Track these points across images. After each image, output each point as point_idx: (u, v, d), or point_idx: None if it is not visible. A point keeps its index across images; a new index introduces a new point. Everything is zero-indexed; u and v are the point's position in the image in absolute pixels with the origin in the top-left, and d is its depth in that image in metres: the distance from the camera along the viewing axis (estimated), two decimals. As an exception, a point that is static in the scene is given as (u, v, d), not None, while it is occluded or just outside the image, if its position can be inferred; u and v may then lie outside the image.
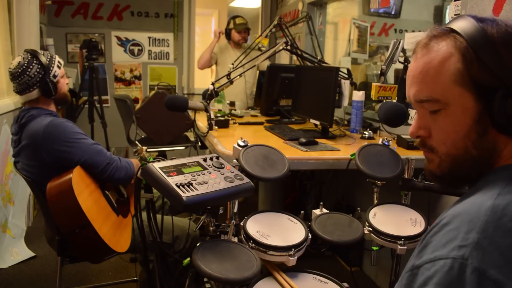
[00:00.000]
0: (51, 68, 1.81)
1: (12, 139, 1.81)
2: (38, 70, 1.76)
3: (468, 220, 0.59)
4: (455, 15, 1.60)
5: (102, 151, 1.76)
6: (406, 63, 2.10)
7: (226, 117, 2.50)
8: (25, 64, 1.75)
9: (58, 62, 1.86)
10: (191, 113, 2.44)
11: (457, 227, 0.60)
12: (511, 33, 0.66)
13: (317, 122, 2.19)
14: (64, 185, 1.58)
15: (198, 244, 1.23)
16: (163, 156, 2.85)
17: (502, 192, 0.62)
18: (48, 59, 1.81)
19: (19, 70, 1.75)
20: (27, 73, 1.75)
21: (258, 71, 3.73)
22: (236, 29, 3.75)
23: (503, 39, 0.65)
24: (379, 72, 2.03)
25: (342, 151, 1.83)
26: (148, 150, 1.89)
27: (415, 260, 0.62)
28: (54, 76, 1.81)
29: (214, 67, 3.98)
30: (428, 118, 0.73)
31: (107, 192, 1.79)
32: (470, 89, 0.67)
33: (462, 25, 0.68)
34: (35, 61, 1.77)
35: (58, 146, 1.67)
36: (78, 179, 1.63)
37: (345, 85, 2.27)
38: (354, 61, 3.15)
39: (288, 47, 2.26)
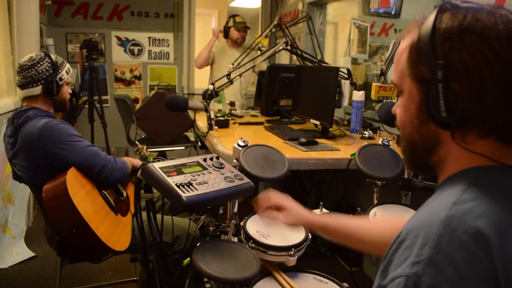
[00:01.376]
0: (60, 70, 1.83)
1: (8, 141, 1.80)
2: (47, 67, 1.78)
3: (422, 235, 0.58)
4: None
5: (97, 153, 1.75)
6: (406, 63, 2.09)
7: (226, 117, 2.50)
8: (37, 59, 1.77)
9: (68, 68, 1.88)
10: (191, 113, 2.44)
11: (412, 243, 0.59)
12: (464, 26, 0.63)
13: (317, 122, 2.19)
14: (59, 187, 1.58)
15: (198, 244, 1.23)
16: (163, 156, 2.86)
17: (457, 202, 0.61)
18: (59, 62, 1.84)
19: (29, 63, 1.76)
20: (36, 67, 1.76)
21: (258, 71, 3.73)
22: (236, 27, 3.74)
23: (448, 33, 0.64)
24: (379, 72, 2.03)
25: (342, 151, 1.83)
26: (148, 149, 1.89)
27: (381, 280, 0.61)
28: (61, 79, 1.83)
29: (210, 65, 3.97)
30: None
31: (104, 191, 1.79)
32: (414, 79, 0.69)
33: (430, 15, 0.67)
34: (47, 59, 1.79)
35: (53, 148, 1.66)
36: (73, 180, 1.62)
37: (345, 85, 2.27)
38: (354, 61, 3.15)
39: (288, 47, 2.26)
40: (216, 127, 2.24)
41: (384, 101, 1.96)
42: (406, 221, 0.65)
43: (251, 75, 3.80)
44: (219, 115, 2.59)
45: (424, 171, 0.77)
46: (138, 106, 3.43)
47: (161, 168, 1.19)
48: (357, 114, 2.23)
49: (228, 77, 2.16)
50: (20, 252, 2.74)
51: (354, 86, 2.26)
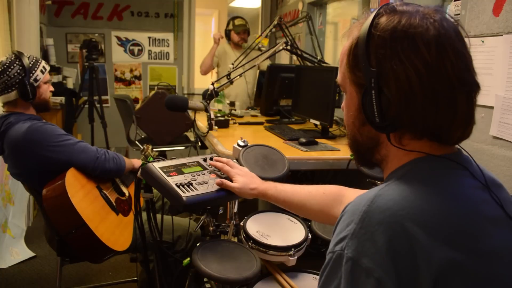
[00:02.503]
0: (33, 72, 1.76)
1: None
2: (18, 71, 1.72)
3: (352, 212, 0.63)
4: (455, 15, 1.60)
5: (87, 148, 1.72)
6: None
7: (226, 117, 2.50)
8: (7, 64, 1.72)
9: (43, 67, 1.81)
10: (191, 113, 2.44)
11: (344, 219, 0.64)
12: (396, 33, 0.64)
13: (317, 122, 2.19)
14: (58, 188, 1.58)
15: (198, 244, 1.23)
16: (163, 156, 2.85)
17: (389, 184, 0.65)
18: (31, 62, 1.77)
19: (0, 69, 1.71)
20: (7, 72, 1.71)
21: (258, 71, 3.73)
22: (235, 30, 3.74)
23: (381, 40, 0.65)
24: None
25: (342, 151, 1.83)
26: (153, 149, 1.89)
27: (330, 245, 0.65)
28: (36, 80, 1.77)
29: (215, 68, 3.98)
30: None
31: (105, 192, 1.79)
32: (352, 83, 0.72)
33: (368, 19, 0.69)
34: (17, 62, 1.73)
35: (41, 151, 1.63)
36: (72, 180, 1.62)
37: (345, 85, 2.27)
38: (354, 61, 3.15)
39: (288, 47, 2.26)
40: (216, 127, 2.24)
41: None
42: (341, 189, 0.77)
43: (256, 75, 3.80)
44: (219, 115, 2.59)
45: (370, 167, 0.78)
46: (138, 106, 3.43)
47: (161, 168, 1.19)
48: (357, 114, 2.23)
49: (228, 77, 2.16)
50: (20, 252, 2.74)
51: (354, 86, 2.26)
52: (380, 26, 0.66)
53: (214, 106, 2.83)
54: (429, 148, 0.68)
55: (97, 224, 1.61)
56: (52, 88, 1.91)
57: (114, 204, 1.80)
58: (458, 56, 0.64)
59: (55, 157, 1.65)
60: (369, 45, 0.66)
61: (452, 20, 0.68)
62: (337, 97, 2.18)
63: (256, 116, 2.89)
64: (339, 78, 0.76)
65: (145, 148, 1.90)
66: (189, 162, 1.27)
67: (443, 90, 0.63)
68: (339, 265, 0.60)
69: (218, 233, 1.40)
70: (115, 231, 1.71)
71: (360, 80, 0.69)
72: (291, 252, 1.23)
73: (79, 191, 1.64)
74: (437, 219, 0.60)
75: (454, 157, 0.68)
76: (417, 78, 0.63)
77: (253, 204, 3.13)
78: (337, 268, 0.61)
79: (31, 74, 1.75)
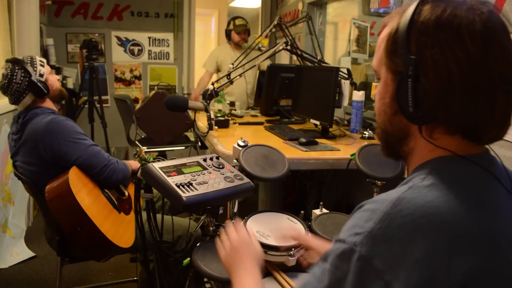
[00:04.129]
0: (35, 68, 1.80)
1: (12, 138, 1.81)
2: (22, 74, 1.75)
3: (372, 210, 0.61)
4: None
5: (101, 153, 1.76)
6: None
7: (226, 117, 2.50)
8: (9, 74, 1.75)
9: (40, 61, 1.85)
10: (191, 113, 2.45)
11: (362, 215, 0.62)
12: (440, 22, 0.62)
13: (317, 122, 2.19)
14: (62, 186, 1.59)
15: (198, 244, 1.23)
16: (163, 156, 2.86)
17: (414, 186, 0.62)
18: (28, 61, 1.80)
19: (6, 81, 1.75)
20: (14, 81, 1.74)
21: (258, 71, 3.73)
22: (236, 30, 3.74)
23: (424, 27, 0.63)
24: (379, 72, 2.03)
25: (342, 151, 1.83)
26: (148, 150, 1.89)
27: (341, 233, 0.64)
28: (41, 75, 1.81)
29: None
30: None
31: (106, 190, 1.80)
32: (389, 69, 0.69)
33: (411, 6, 0.66)
34: (17, 67, 1.76)
35: (58, 144, 1.68)
36: (75, 178, 1.63)
37: (345, 85, 2.27)
38: (354, 61, 3.15)
39: (288, 47, 2.26)
40: (216, 127, 2.24)
41: (384, 101, 1.96)
42: None
43: (256, 76, 3.79)
44: (219, 115, 2.59)
45: (397, 159, 0.78)
46: (138, 106, 3.43)
47: (161, 168, 1.19)
48: (357, 114, 2.23)
49: (228, 77, 2.16)
50: (20, 252, 2.74)
51: (354, 86, 2.26)
52: (424, 13, 0.64)
53: (214, 106, 2.83)
54: (458, 146, 0.66)
55: (102, 222, 1.61)
56: (58, 76, 1.95)
57: (116, 202, 1.80)
58: (503, 51, 0.62)
59: (67, 153, 1.68)
60: (410, 31, 0.64)
61: (499, 14, 0.65)
62: (337, 97, 2.18)
63: (256, 116, 2.89)
64: (374, 63, 0.74)
65: (138, 151, 1.92)
66: (189, 162, 1.27)
67: (483, 86, 0.61)
68: (347, 258, 0.59)
69: (218, 233, 1.40)
70: (118, 228, 1.71)
71: (397, 67, 0.66)
72: (291, 252, 1.23)
73: (82, 189, 1.64)
74: (459, 229, 0.57)
75: (481, 159, 0.66)
76: (458, 71, 0.60)
77: (253, 204, 3.13)
78: (345, 260, 0.60)
79: (34, 72, 1.78)
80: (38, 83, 1.77)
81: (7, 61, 1.81)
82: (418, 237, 0.56)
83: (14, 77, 1.74)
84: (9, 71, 1.75)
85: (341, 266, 0.60)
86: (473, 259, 0.56)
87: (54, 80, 1.89)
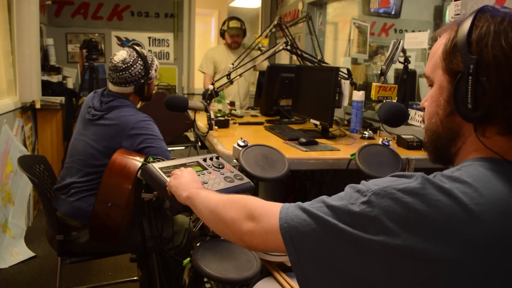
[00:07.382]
0: (151, 70, 1.88)
1: (89, 111, 1.84)
2: (140, 70, 1.83)
3: (399, 182, 0.65)
4: (455, 15, 1.60)
5: (168, 152, 1.85)
6: (406, 63, 2.09)
7: (226, 117, 2.50)
8: (130, 62, 1.82)
9: (157, 66, 1.93)
10: (191, 113, 2.44)
11: (394, 178, 0.67)
12: (501, 28, 0.66)
13: (317, 122, 2.19)
14: (128, 168, 1.64)
15: (198, 244, 1.23)
16: (163, 156, 2.85)
17: (444, 173, 0.65)
18: (150, 62, 1.87)
19: (123, 66, 1.81)
20: (130, 70, 1.82)
21: (258, 72, 3.72)
22: (229, 32, 3.71)
23: (484, 31, 0.67)
24: (379, 72, 2.03)
25: (342, 151, 1.83)
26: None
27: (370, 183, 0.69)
28: (150, 79, 1.89)
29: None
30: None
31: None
32: (446, 71, 0.72)
33: (470, 15, 0.70)
34: (139, 62, 1.83)
35: (141, 141, 1.75)
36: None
37: (345, 85, 2.27)
38: (354, 61, 3.15)
39: (288, 47, 2.26)
40: (216, 127, 2.24)
41: (384, 101, 1.96)
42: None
43: (251, 76, 3.78)
44: (219, 115, 2.59)
45: (443, 163, 0.80)
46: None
47: (161, 168, 1.19)
48: (357, 114, 2.23)
49: (228, 77, 2.16)
50: (20, 252, 2.75)
51: (354, 86, 2.26)
52: (483, 20, 0.68)
53: (214, 106, 2.83)
54: (503, 146, 0.68)
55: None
56: (155, 82, 2.05)
57: None
58: None
59: (149, 150, 1.76)
60: (471, 33, 0.67)
61: None
62: (337, 97, 2.18)
63: (256, 116, 2.89)
64: (427, 70, 0.77)
65: None
66: (189, 162, 1.27)
67: None
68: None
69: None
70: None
71: (456, 67, 0.69)
72: (291, 252, 1.23)
73: None
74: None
75: None
76: None
77: (253, 204, 3.12)
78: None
79: (149, 73, 1.87)
80: (145, 85, 1.85)
81: (133, 47, 1.86)
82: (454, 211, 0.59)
83: (132, 68, 1.82)
84: (131, 60, 1.82)
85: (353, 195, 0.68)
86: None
87: (153, 86, 1.98)
